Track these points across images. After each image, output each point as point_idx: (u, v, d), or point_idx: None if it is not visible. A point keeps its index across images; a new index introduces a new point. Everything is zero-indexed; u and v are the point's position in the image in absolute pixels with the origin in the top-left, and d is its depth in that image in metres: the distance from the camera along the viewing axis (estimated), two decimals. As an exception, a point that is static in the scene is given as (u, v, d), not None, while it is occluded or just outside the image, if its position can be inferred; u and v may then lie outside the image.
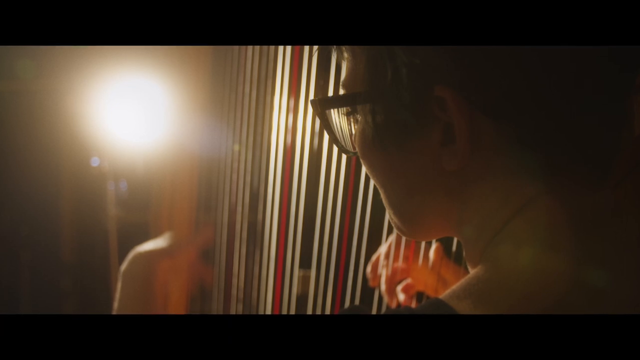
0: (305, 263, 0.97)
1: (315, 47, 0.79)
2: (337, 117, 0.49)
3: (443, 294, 0.40)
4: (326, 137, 0.89)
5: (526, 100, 0.38)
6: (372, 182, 0.78)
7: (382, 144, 0.44)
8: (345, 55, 0.47)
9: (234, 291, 1.06)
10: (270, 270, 1.01)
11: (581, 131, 0.39)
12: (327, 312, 0.94)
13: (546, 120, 0.39)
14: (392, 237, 0.87)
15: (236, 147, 1.04)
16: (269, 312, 1.01)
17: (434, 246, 0.84)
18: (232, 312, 1.06)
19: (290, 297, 0.99)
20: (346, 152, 0.52)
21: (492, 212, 0.42)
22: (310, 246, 0.94)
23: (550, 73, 0.38)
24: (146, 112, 1.59)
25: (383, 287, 0.87)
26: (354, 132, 0.49)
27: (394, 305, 0.87)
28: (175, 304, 0.95)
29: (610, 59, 0.38)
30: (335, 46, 0.49)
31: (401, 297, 0.86)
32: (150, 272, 0.85)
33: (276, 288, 1.00)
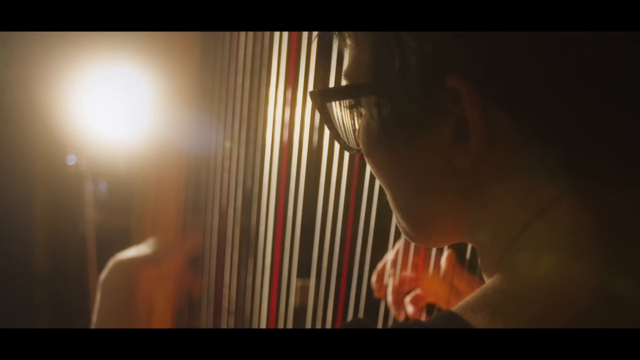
0: (303, 272, 0.97)
1: (315, 34, 0.79)
2: (339, 111, 0.49)
3: (456, 306, 0.40)
4: (327, 132, 0.89)
5: (544, 92, 0.38)
6: (377, 182, 0.78)
7: (388, 139, 0.44)
8: (348, 42, 0.47)
9: (224, 303, 1.06)
10: (265, 279, 1.01)
11: (604, 125, 0.39)
12: (328, 326, 0.94)
13: (565, 113, 0.39)
14: (400, 243, 0.87)
15: (228, 144, 1.05)
16: (263, 325, 1.01)
17: (445, 253, 0.84)
18: (223, 325, 1.06)
19: (287, 309, 0.99)
20: (349, 149, 0.52)
21: (510, 215, 0.42)
22: (309, 253, 0.95)
23: (568, 61, 0.38)
24: (128, 106, 1.59)
25: (390, 298, 0.87)
26: (357, 127, 0.49)
27: (401, 318, 0.87)
28: (160, 317, 0.95)
29: (635, 44, 0.38)
30: (336, 32, 0.49)
31: (410, 309, 0.86)
32: (133, 282, 0.85)
33: (272, 299, 1.00)
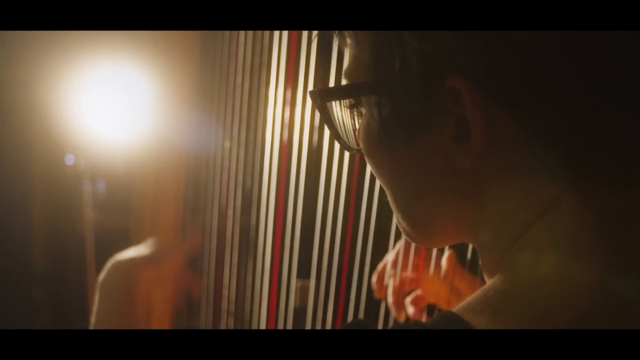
0: (303, 272, 0.97)
1: (315, 33, 0.79)
2: (339, 110, 0.49)
3: (457, 307, 0.40)
4: (327, 132, 0.89)
5: (544, 91, 0.39)
6: (377, 182, 0.78)
7: (388, 139, 0.45)
8: (348, 41, 0.47)
9: (224, 304, 1.06)
10: (265, 280, 1.01)
11: (604, 124, 0.39)
12: (328, 326, 0.94)
13: (566, 112, 0.39)
14: (400, 244, 0.87)
15: (227, 144, 1.05)
16: (263, 326, 1.01)
17: (446, 254, 0.84)
18: (223, 326, 1.06)
19: (287, 310, 0.99)
20: (349, 149, 0.52)
21: (511, 215, 0.42)
22: (309, 253, 0.95)
23: (569, 60, 0.38)
24: (127, 105, 1.59)
25: (390, 299, 0.87)
26: (357, 126, 0.49)
27: (402, 319, 0.87)
28: (159, 318, 0.95)
29: (635, 43, 0.38)
30: (336, 31, 0.49)
31: (410, 310, 0.86)
32: (132, 283, 0.85)
33: (271, 300, 1.00)
